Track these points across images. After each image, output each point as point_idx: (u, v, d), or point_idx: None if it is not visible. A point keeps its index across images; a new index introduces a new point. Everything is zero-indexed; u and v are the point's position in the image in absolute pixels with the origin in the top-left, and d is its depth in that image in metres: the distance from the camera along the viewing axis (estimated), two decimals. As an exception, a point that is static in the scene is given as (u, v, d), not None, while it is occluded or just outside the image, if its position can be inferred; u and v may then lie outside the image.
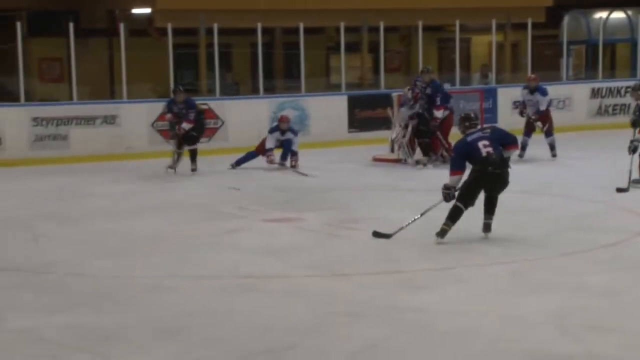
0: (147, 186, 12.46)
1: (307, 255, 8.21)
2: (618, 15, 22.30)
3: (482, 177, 8.34)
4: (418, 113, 13.77)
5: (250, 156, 13.97)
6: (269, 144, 13.90)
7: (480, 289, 6.98)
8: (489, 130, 8.72)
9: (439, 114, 13.63)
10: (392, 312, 6.39)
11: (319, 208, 10.51)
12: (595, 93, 18.49)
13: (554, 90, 18.10)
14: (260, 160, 13.73)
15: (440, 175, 12.85)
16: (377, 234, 8.68)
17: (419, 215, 8.67)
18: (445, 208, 8.46)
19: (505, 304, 6.53)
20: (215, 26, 16.25)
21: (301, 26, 16.88)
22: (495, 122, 16.35)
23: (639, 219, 9.23)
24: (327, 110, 16.94)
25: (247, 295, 6.98)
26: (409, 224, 8.61)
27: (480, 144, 8.37)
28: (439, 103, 13.66)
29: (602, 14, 21.82)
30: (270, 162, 13.75)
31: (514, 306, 6.47)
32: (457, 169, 8.49)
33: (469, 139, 8.50)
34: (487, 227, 8.50)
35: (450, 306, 6.52)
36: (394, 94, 15.08)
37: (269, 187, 12.21)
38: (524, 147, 13.58)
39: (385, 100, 16.04)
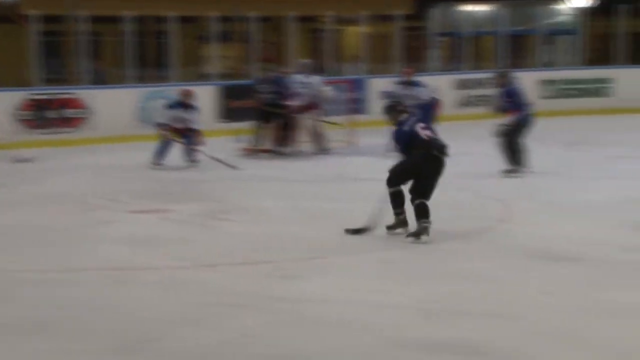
0: (13, 178, 12.07)
1: (177, 247, 8.12)
2: (483, 8, 22.94)
3: (425, 159, 8.14)
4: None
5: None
6: (162, 119, 13.14)
7: (351, 278, 7.04)
8: (414, 116, 8.65)
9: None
10: (263, 302, 6.39)
11: (190, 199, 10.42)
12: (461, 84, 18.94)
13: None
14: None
15: (314, 164, 13.04)
16: (352, 231, 8.35)
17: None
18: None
19: (375, 292, 6.60)
20: (83, 14, 15.89)
21: (172, 15, 16.67)
22: (366, 112, 16.54)
23: (502, 206, 9.49)
24: (199, 100, 16.76)
25: (118, 288, 6.85)
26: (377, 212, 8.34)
27: (418, 127, 8.31)
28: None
29: (467, 7, 22.41)
30: (165, 137, 12.97)
31: (383, 294, 6.55)
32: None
33: (406, 127, 8.36)
34: (423, 231, 8.05)
35: (320, 295, 6.56)
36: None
37: (142, 178, 12.02)
38: None
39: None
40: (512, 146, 11.59)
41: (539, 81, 19.59)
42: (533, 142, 12.76)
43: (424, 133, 8.26)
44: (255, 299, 6.47)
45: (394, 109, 8.67)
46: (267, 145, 14.04)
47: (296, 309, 6.23)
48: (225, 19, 19.13)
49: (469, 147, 13.60)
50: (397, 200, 8.23)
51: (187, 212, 9.59)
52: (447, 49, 23.83)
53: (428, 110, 13.43)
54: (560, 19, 23.87)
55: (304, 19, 21.00)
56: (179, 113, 13.19)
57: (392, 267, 7.37)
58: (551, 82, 19.71)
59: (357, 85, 17.42)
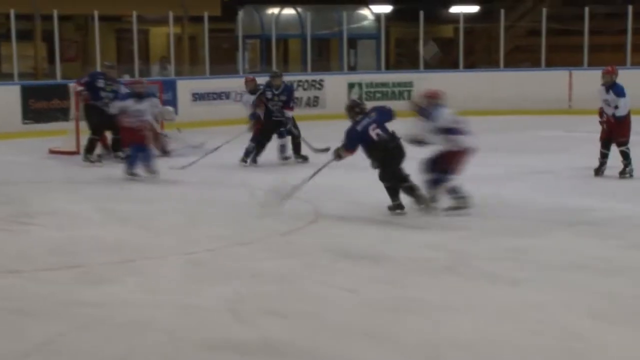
0: None
1: (-23, 253, 7.81)
2: (289, 11, 23.28)
3: (388, 155, 9.08)
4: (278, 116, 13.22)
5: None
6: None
7: (159, 280, 7.00)
8: (374, 114, 9.24)
9: (289, 114, 13.28)
10: (68, 308, 6.25)
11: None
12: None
13: (228, 83, 18.61)
14: None
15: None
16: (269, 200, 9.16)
17: (309, 179, 9.36)
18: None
19: (183, 294, 6.60)
20: None
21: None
22: (176, 113, 16.40)
23: (310, 206, 9.68)
24: (-2, 101, 16.19)
25: None
26: (299, 185, 9.26)
27: (370, 129, 9.04)
28: (291, 105, 13.39)
29: (274, 10, 22.69)
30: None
31: (191, 296, 6.55)
32: (351, 148, 9.26)
33: (359, 127, 9.12)
34: (425, 200, 9.22)
35: (128, 299, 6.48)
36: (71, 84, 14.70)
37: None
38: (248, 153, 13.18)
39: (62, 91, 15.63)
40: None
41: (345, 84, 20.13)
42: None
43: (375, 133, 9.02)
44: (61, 304, 6.32)
45: (352, 108, 9.30)
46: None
47: (103, 314, 6.12)
48: (26, 17, 18.51)
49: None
50: (396, 193, 9.25)
51: (-12, 217, 9.23)
52: (255, 51, 24.05)
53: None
54: (362, 24, 24.56)
55: (109, 19, 20.64)
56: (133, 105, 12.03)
57: (200, 269, 7.37)
58: (355, 85, 20.26)
59: (166, 86, 17.27)
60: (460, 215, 9.23)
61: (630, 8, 19.98)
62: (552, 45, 20.99)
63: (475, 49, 25.83)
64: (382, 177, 9.26)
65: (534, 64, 21.08)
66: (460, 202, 9.26)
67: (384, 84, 20.16)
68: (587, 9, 19.97)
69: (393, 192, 9.23)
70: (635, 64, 19.94)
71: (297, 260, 7.60)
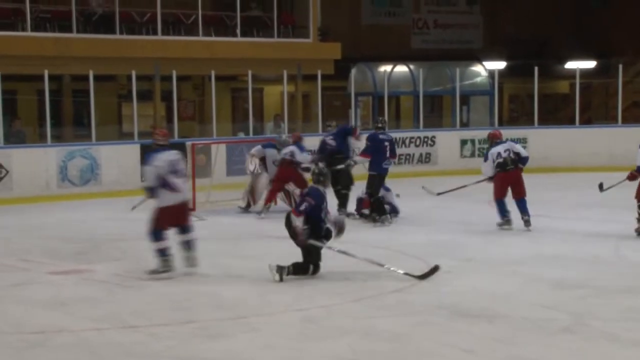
0: None
1: (96, 308, 7.99)
2: (401, 69, 23.38)
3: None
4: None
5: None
6: None
7: (272, 337, 7.02)
8: None
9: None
10: (185, 363, 6.32)
11: (110, 258, 10.29)
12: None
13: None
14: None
15: (230, 222, 12.99)
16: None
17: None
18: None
19: (297, 351, 6.60)
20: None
21: (91, 73, 16.59)
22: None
23: (423, 264, 9.58)
24: (119, 159, 16.68)
25: (32, 351, 6.69)
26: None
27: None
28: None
29: (386, 68, 22.82)
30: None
31: (305, 353, 6.54)
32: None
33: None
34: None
35: (243, 355, 6.52)
36: (188, 143, 15.04)
37: (55, 238, 11.82)
38: None
39: (179, 149, 15.95)
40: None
41: (458, 140, 20.01)
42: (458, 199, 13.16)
43: None
44: (176, 360, 6.39)
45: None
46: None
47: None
48: (146, 78, 19.11)
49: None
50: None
51: (105, 272, 9.45)
52: (367, 108, 24.19)
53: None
54: (476, 80, 24.45)
55: (225, 78, 21.13)
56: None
57: (313, 326, 7.36)
58: (468, 141, 20.11)
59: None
60: (580, 273, 8.99)
61: None
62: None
63: (592, 104, 25.38)
64: None
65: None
66: None
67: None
68: None
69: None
70: None
71: (411, 318, 7.51)
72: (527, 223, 11.84)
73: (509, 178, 11.97)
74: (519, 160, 12.11)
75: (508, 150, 12.07)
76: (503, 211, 12.01)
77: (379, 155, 12.83)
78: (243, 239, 11.85)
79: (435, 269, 8.87)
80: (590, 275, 8.98)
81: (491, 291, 8.41)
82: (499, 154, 12.03)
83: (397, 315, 7.60)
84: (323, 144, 13.53)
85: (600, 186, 12.58)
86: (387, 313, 7.70)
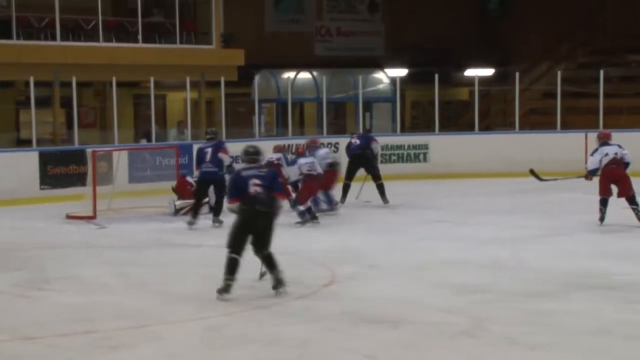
0: None
1: (-6, 319, 7.79)
2: (305, 76, 23.49)
3: (249, 216, 8.34)
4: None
5: None
6: None
7: (176, 346, 6.96)
8: (265, 171, 8.71)
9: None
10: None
11: (8, 269, 10.04)
12: (285, 149, 19.17)
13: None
14: None
15: (133, 229, 12.84)
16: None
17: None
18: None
19: (201, 360, 6.56)
20: None
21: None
22: (192, 176, 16.47)
23: (327, 270, 9.64)
24: (17, 167, 16.29)
25: None
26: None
27: (251, 182, 8.40)
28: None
29: (290, 74, 22.90)
30: None
31: (210, 362, 6.51)
32: (233, 197, 8.51)
33: (244, 173, 8.54)
34: (279, 282, 8.47)
35: (145, 365, 6.44)
36: (89, 150, 14.80)
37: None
38: None
39: (79, 156, 15.71)
40: None
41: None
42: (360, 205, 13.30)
43: (254, 189, 8.37)
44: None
45: (244, 154, 8.80)
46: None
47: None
48: (45, 84, 18.73)
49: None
50: (230, 267, 8.34)
51: (4, 283, 9.22)
52: (271, 115, 24.21)
53: None
54: (378, 87, 24.75)
55: (127, 84, 20.88)
56: None
57: (217, 334, 7.32)
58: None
59: (183, 150, 17.34)
60: (480, 278, 9.18)
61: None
62: (568, 107, 21.03)
63: (491, 111, 25.94)
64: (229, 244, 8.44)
65: (550, 126, 21.10)
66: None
67: (399, 147, 20.18)
68: (602, 72, 20.05)
69: (231, 266, 8.35)
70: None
71: (315, 325, 7.54)
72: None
73: (612, 175, 12.57)
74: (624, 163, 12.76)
75: (616, 152, 12.67)
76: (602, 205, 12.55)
77: (199, 163, 13.43)
78: (145, 246, 11.72)
79: None
80: (491, 280, 9.16)
81: (395, 297, 8.50)
82: (607, 154, 12.62)
83: (301, 322, 7.62)
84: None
85: (533, 172, 13.88)
86: (291, 320, 7.71)
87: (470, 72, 24.33)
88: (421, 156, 20.16)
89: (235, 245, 8.37)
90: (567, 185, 14.73)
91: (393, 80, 23.31)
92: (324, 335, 7.22)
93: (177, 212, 14.05)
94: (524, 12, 27.93)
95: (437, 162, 19.86)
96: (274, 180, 8.61)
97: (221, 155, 13.33)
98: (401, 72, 24.87)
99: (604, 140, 12.91)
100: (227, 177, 13.08)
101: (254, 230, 8.41)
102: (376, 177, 15.41)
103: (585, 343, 6.89)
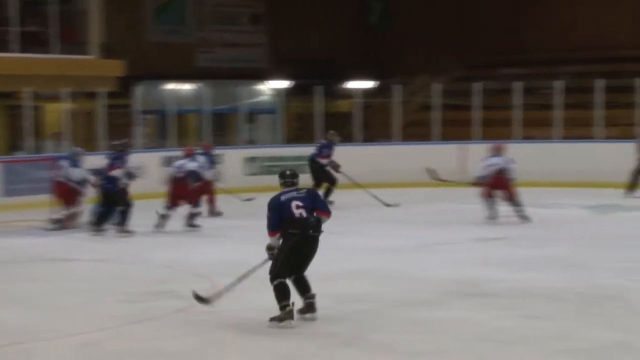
0: None
1: None
2: (187, 87, 23.28)
3: (298, 241, 7.88)
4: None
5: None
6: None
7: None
8: (304, 192, 8.16)
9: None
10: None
11: None
12: (167, 161, 18.93)
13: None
14: None
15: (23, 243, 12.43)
16: (198, 298, 8.07)
17: (237, 280, 8.23)
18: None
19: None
20: None
21: None
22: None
23: (206, 282, 9.53)
24: None
25: None
26: (228, 287, 8.17)
27: (293, 204, 7.96)
28: None
29: (172, 86, 22.66)
30: None
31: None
32: (275, 228, 8.01)
33: (283, 198, 8.03)
34: (310, 307, 7.95)
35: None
36: None
37: None
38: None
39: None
40: None
41: (243, 158, 20.10)
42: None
43: (298, 212, 7.93)
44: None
45: (280, 177, 8.25)
46: None
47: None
48: None
49: (171, 224, 13.62)
50: (283, 294, 7.84)
51: None
52: (153, 126, 23.89)
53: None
54: (261, 99, 24.75)
55: (1, 95, 20.27)
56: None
57: (94, 350, 7.14)
58: (254, 159, 20.27)
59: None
60: (362, 288, 9.23)
61: (519, 85, 20.63)
62: (447, 119, 21.47)
63: (372, 123, 26.24)
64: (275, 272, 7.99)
65: (428, 138, 21.50)
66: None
67: (281, 158, 20.18)
68: (476, 85, 20.59)
69: (282, 293, 7.87)
70: (526, 137, 20.51)
71: (195, 338, 7.44)
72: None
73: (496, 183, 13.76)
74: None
75: (502, 164, 13.86)
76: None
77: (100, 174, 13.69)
78: (20, 261, 11.35)
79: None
80: (374, 289, 9.23)
81: (276, 307, 8.45)
82: (494, 165, 13.84)
83: (181, 336, 7.51)
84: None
85: (430, 172, 15.18)
86: (170, 334, 7.58)
87: (352, 85, 24.57)
88: (305, 168, 20.20)
89: (282, 273, 7.89)
90: (451, 195, 15.03)
91: (276, 92, 23.34)
92: (204, 349, 7.13)
93: (56, 223, 13.63)
94: (404, 26, 28.43)
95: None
96: (315, 199, 8.18)
97: (113, 172, 13.27)
98: (284, 84, 24.93)
99: (494, 153, 14.10)
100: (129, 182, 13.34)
101: (300, 255, 7.97)
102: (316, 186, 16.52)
103: (463, 350, 6.99)
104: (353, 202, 17.43)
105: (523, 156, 16.83)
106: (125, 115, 22.55)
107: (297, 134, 28.30)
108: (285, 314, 7.72)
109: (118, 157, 13.63)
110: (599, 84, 20.01)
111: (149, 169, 17.80)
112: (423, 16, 27.90)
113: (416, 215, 15.22)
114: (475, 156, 15.87)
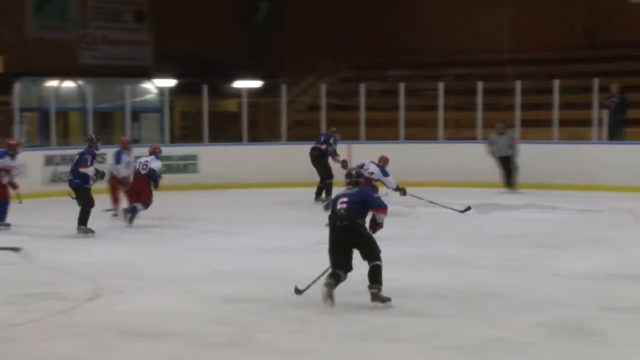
0: None
1: None
2: (70, 84, 22.80)
3: (333, 232, 8.51)
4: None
5: None
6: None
7: None
8: (356, 190, 8.71)
9: None
10: None
11: None
12: (49, 160, 18.52)
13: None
14: None
15: None
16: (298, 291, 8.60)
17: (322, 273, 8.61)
18: None
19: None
20: None
21: None
22: None
23: (91, 284, 9.38)
24: None
25: None
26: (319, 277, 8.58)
27: (339, 200, 8.53)
28: None
29: (53, 83, 22.16)
30: None
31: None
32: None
33: (338, 193, 8.75)
34: (373, 297, 8.38)
35: None
36: None
37: None
38: None
39: None
40: None
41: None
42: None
43: (340, 206, 8.51)
44: None
45: (345, 176, 8.90)
46: None
47: None
48: None
49: (54, 224, 13.37)
50: (337, 279, 8.46)
51: None
52: (33, 124, 23.31)
53: None
54: (146, 97, 24.45)
55: None
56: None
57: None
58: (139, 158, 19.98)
59: None
60: (247, 288, 9.23)
61: (402, 85, 20.97)
62: (333, 119, 21.64)
63: (259, 123, 26.26)
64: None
65: (314, 138, 21.63)
66: None
67: (168, 157, 19.99)
68: (362, 86, 20.86)
69: (336, 279, 8.48)
70: (410, 138, 20.86)
71: (78, 340, 7.31)
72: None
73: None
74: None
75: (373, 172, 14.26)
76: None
77: None
78: None
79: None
80: (259, 290, 9.23)
81: (163, 309, 8.38)
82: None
83: (63, 338, 7.36)
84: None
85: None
86: (53, 336, 7.43)
87: (239, 84, 24.53)
88: (191, 167, 20.07)
89: (331, 262, 8.55)
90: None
91: (161, 91, 23.09)
92: (88, 351, 7.02)
93: None
94: (291, 26, 28.54)
95: (208, 173, 19.84)
96: (364, 196, 8.70)
97: (82, 170, 13.15)
98: (170, 82, 24.69)
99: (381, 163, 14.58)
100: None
101: (335, 243, 8.54)
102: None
103: (347, 348, 7.08)
104: (243, 201, 17.44)
105: (407, 156, 17.19)
106: (5, 113, 21.95)
107: (183, 133, 28.09)
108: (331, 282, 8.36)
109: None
110: (480, 86, 20.51)
111: (30, 168, 17.38)
112: (311, 16, 28.05)
113: (302, 216, 15.30)
114: (361, 156, 16.08)
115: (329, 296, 8.29)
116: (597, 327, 7.64)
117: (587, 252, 11.56)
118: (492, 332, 7.54)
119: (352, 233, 8.50)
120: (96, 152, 13.63)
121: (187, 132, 28.08)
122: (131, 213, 13.67)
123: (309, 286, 8.63)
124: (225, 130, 26.16)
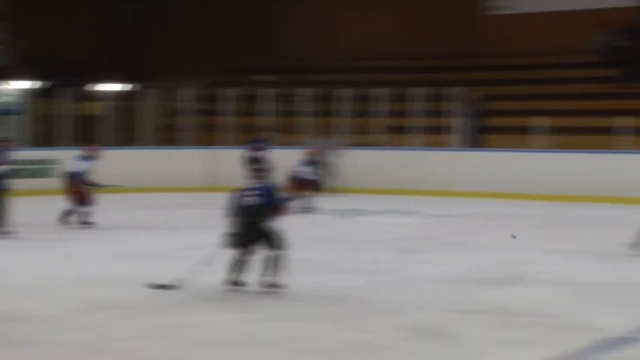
0: None
1: None
2: None
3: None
4: None
5: None
6: None
7: None
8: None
9: None
10: None
11: None
12: None
13: None
14: None
15: None
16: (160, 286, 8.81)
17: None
18: None
19: None
20: None
21: None
22: None
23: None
24: None
25: None
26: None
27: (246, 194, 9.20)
28: None
29: None
30: None
31: None
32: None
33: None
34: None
35: None
36: None
37: None
38: None
39: None
40: None
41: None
42: None
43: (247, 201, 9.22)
44: None
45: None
46: None
47: None
48: None
49: None
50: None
51: None
52: None
53: None
54: (4, 99, 23.71)
55: None
56: None
57: None
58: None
59: None
60: (106, 294, 9.07)
61: (271, 92, 21.12)
62: (200, 124, 21.53)
63: (124, 127, 25.84)
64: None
65: (180, 142, 21.47)
66: None
67: (26, 162, 19.36)
68: (230, 91, 20.89)
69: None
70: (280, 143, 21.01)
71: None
72: None
73: None
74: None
75: None
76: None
77: None
78: None
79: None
80: (119, 296, 9.07)
81: (20, 315, 8.14)
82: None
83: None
84: None
85: None
86: None
87: (103, 87, 24.10)
88: (50, 171, 19.54)
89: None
90: (200, 201, 14.98)
91: (21, 93, 22.44)
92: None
93: None
94: (157, 30, 28.20)
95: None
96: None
97: None
98: (29, 84, 24.04)
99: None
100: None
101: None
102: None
103: (202, 355, 7.02)
104: (107, 206, 17.12)
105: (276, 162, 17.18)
106: None
107: (44, 137, 27.36)
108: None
109: None
110: (346, 92, 20.80)
111: None
112: (178, 19, 27.82)
113: (164, 221, 15.16)
114: (227, 162, 16.09)
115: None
116: (454, 330, 7.86)
117: (446, 256, 11.91)
118: (354, 335, 7.65)
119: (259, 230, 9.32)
120: None
121: (47, 136, 27.39)
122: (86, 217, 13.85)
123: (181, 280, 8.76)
124: (89, 133, 25.66)
